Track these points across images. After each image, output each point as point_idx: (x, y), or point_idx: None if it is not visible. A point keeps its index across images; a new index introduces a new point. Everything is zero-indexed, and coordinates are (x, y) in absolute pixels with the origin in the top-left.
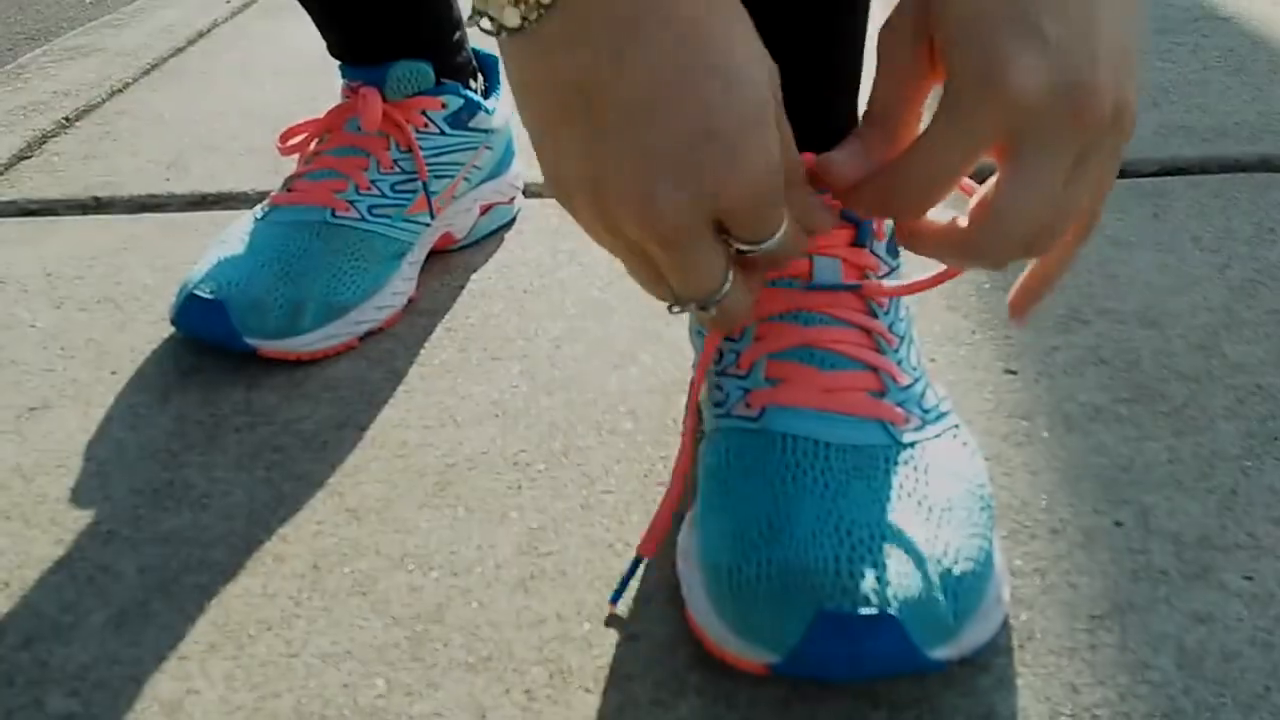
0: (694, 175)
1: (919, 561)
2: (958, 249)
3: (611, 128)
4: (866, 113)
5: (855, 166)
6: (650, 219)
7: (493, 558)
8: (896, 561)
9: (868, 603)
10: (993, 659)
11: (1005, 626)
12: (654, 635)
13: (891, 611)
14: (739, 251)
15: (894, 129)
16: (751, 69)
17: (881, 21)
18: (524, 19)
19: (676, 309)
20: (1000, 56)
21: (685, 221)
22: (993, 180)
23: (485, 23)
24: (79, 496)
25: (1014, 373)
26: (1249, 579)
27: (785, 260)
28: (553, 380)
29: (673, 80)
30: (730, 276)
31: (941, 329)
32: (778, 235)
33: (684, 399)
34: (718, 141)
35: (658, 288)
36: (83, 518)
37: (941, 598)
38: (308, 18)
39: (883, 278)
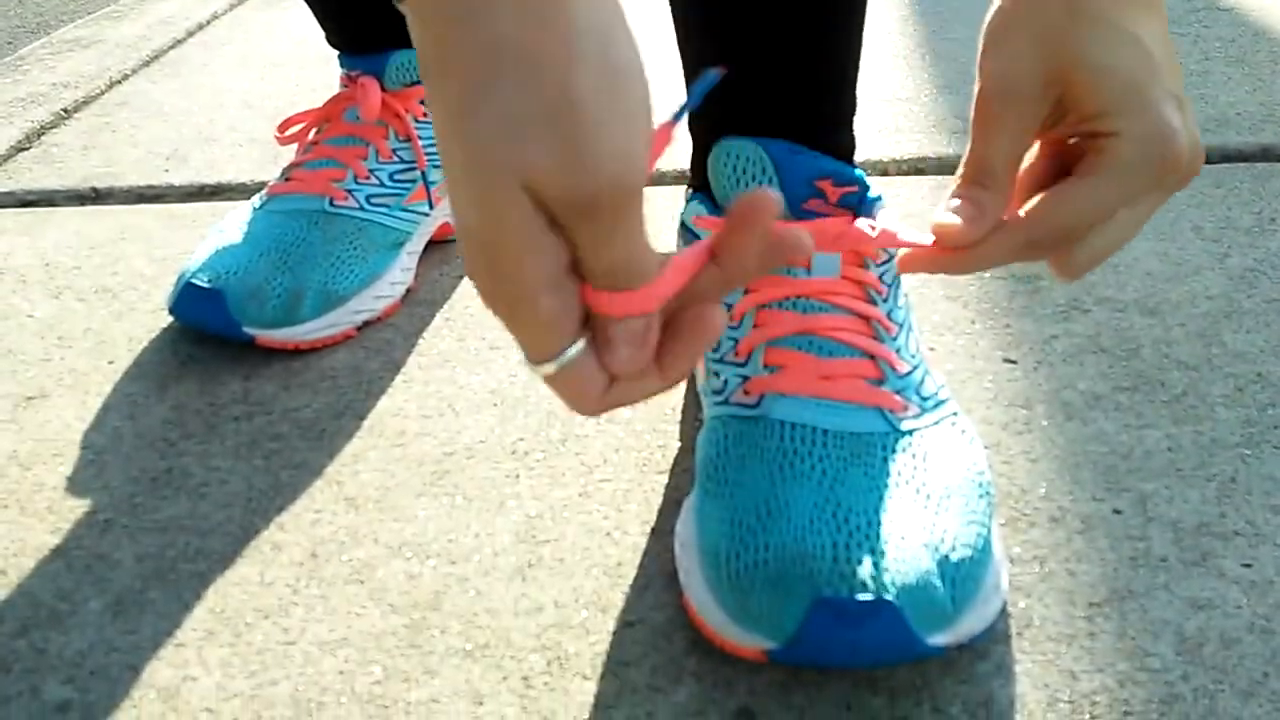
0: (470, 259)
1: (917, 549)
2: (1060, 266)
3: (442, 119)
4: (977, 169)
5: (978, 227)
6: (465, 210)
7: (490, 546)
8: (895, 548)
9: (866, 589)
10: (991, 646)
11: (1004, 614)
12: (651, 621)
13: (890, 598)
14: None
15: (1008, 187)
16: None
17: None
18: None
19: (533, 366)
20: (1168, 124)
21: (492, 212)
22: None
23: None
24: (76, 485)
25: (1013, 361)
26: (1248, 566)
27: (637, 339)
28: None
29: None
30: (580, 340)
31: (940, 318)
32: (552, 363)
33: (682, 387)
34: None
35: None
36: (80, 506)
37: (940, 584)
38: (306, 9)
39: (881, 265)
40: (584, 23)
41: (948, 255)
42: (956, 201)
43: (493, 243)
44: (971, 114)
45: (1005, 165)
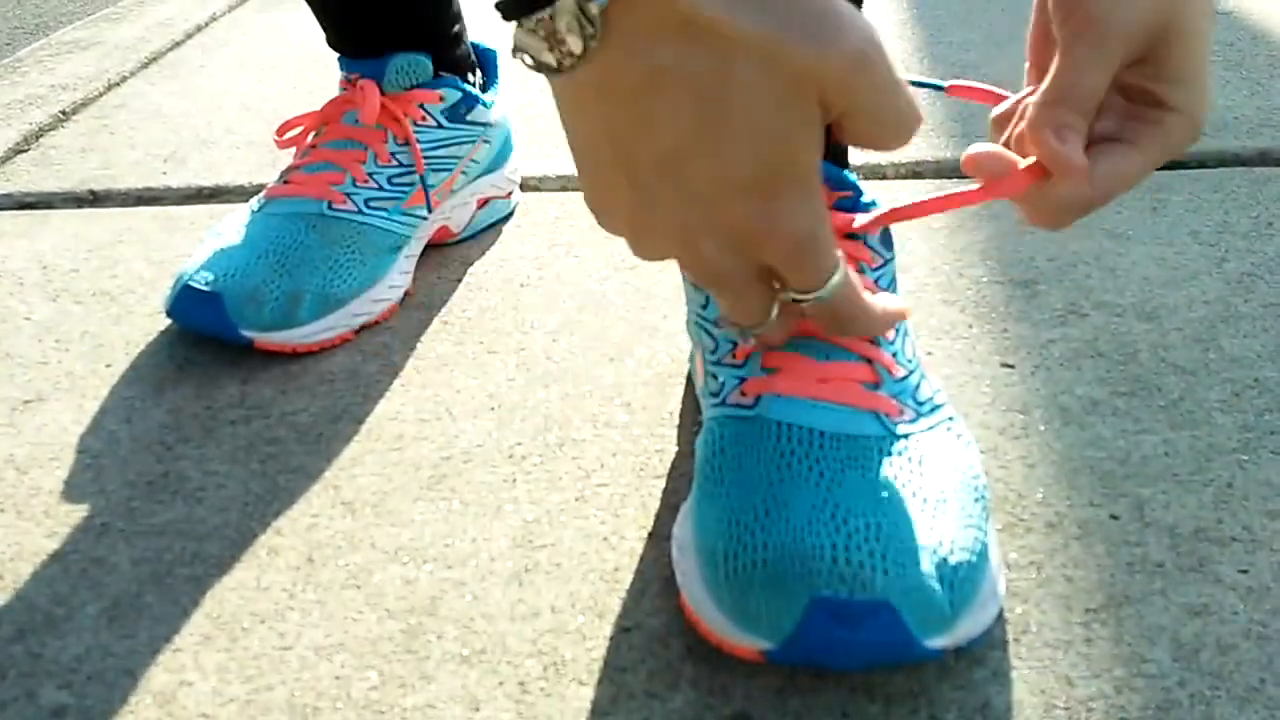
0: (729, 228)
1: (916, 550)
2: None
3: (645, 180)
4: (1075, 97)
5: (1081, 152)
6: (692, 264)
7: (487, 551)
8: (893, 550)
9: (864, 590)
10: (988, 652)
11: (1001, 619)
12: (648, 627)
13: (888, 599)
14: (794, 300)
15: (1089, 122)
16: (770, 117)
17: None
18: (559, 63)
19: (724, 328)
20: (1206, 104)
21: (727, 269)
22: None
23: (526, 58)
24: (73, 489)
25: (1010, 366)
26: (1244, 572)
27: (845, 319)
28: (548, 373)
29: (696, 136)
30: (776, 311)
31: (938, 322)
32: (831, 283)
33: (680, 391)
34: (751, 194)
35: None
36: (76, 510)
37: (938, 587)
38: (305, 11)
39: (877, 269)
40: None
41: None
42: (1054, 130)
43: (716, 283)
44: (1061, 36)
45: (1098, 97)
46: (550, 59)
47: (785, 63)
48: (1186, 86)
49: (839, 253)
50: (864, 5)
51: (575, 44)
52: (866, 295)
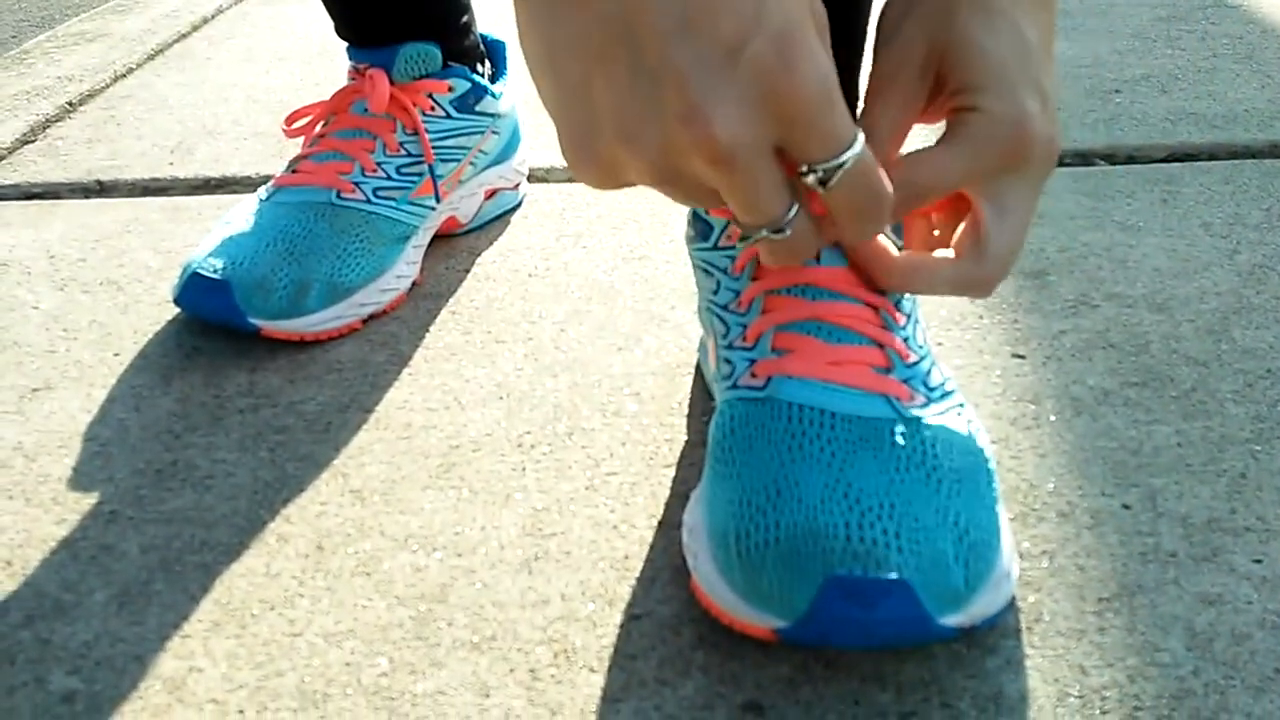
0: (744, 83)
1: (930, 528)
2: (961, 281)
3: (653, 55)
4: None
5: None
6: (705, 138)
7: (497, 538)
8: (907, 528)
9: (879, 567)
10: (1001, 640)
11: (1014, 608)
12: (658, 614)
13: (904, 576)
14: (818, 180)
15: (888, 151)
16: None
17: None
18: None
19: (746, 240)
20: (1025, 109)
21: (742, 136)
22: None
23: None
24: (81, 476)
25: (1022, 356)
26: (1258, 562)
27: (868, 201)
28: (557, 363)
29: None
30: (795, 205)
31: (948, 312)
32: (854, 150)
33: (689, 381)
34: (760, 47)
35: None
36: (85, 498)
37: (954, 564)
38: (311, 2)
39: None
40: None
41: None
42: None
43: (730, 160)
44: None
45: (887, 137)
46: None
47: None
48: (981, 90)
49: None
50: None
51: None
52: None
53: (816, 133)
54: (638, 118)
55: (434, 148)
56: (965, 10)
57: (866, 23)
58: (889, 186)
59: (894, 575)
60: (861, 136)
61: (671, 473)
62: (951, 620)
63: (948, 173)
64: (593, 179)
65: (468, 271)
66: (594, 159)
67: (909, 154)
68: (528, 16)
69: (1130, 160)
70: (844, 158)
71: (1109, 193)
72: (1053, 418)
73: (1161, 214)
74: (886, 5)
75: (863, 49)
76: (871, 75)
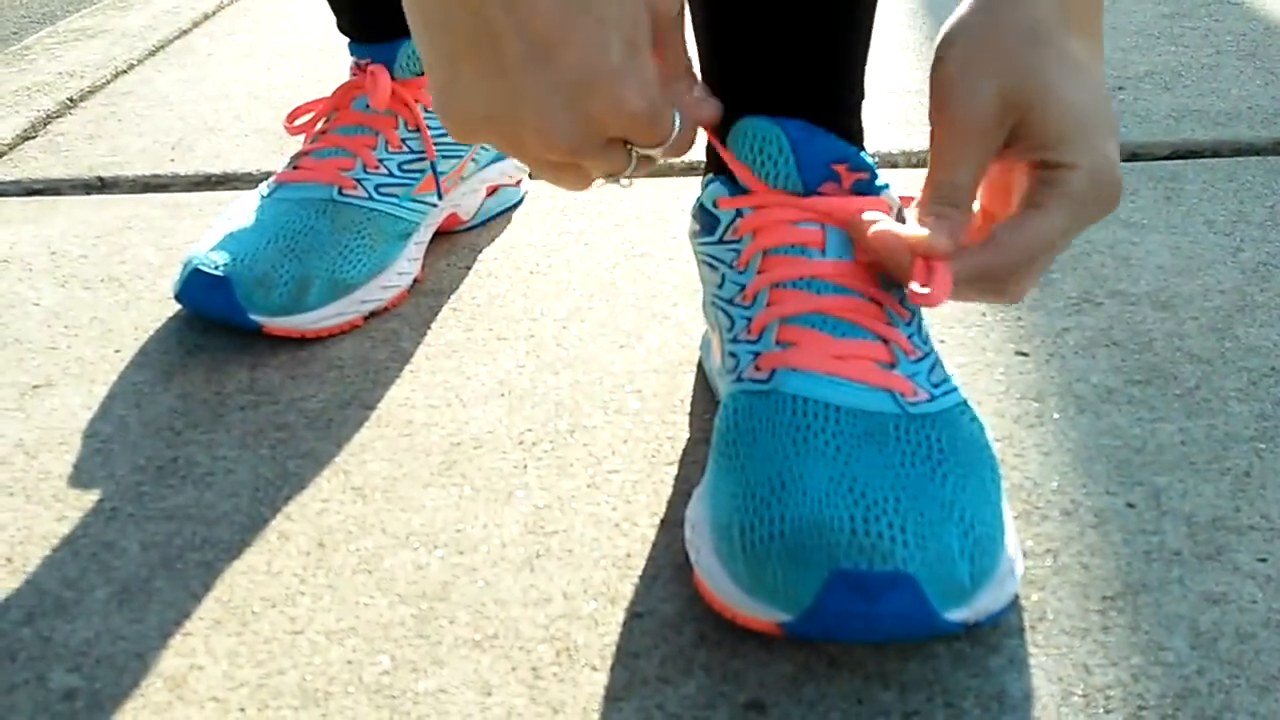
0: (584, 108)
1: (935, 523)
2: (976, 271)
3: (512, 67)
4: (949, 192)
5: (955, 240)
6: (553, 144)
7: (499, 536)
8: (912, 522)
9: (884, 561)
10: (1004, 639)
11: (1017, 606)
12: (661, 613)
13: (909, 570)
14: (644, 155)
15: (969, 208)
16: (621, 4)
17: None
18: None
19: (604, 182)
20: (1112, 159)
21: (582, 143)
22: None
23: None
24: (82, 473)
25: (1025, 354)
26: (1263, 560)
27: (683, 148)
28: (559, 360)
29: (558, 23)
30: (634, 156)
31: (951, 310)
32: (671, 138)
33: (691, 378)
34: (600, 79)
35: (578, 181)
36: (86, 495)
37: (959, 559)
38: None
39: None
40: None
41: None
42: (931, 219)
43: (577, 154)
44: (930, 135)
45: (971, 188)
46: None
47: None
48: (1071, 143)
49: (676, 114)
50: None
51: None
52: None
53: (646, 138)
54: (498, 104)
55: (436, 144)
56: (1041, 58)
57: (872, 15)
58: (689, 134)
59: (899, 569)
60: (677, 122)
61: (673, 470)
62: (956, 615)
63: (1053, 234)
64: (452, 131)
65: (469, 268)
66: (454, 115)
67: (1006, 224)
68: None
69: (1134, 157)
70: (663, 147)
71: None
72: (1056, 415)
73: (1165, 211)
74: (942, 43)
75: (868, 41)
76: (942, 126)
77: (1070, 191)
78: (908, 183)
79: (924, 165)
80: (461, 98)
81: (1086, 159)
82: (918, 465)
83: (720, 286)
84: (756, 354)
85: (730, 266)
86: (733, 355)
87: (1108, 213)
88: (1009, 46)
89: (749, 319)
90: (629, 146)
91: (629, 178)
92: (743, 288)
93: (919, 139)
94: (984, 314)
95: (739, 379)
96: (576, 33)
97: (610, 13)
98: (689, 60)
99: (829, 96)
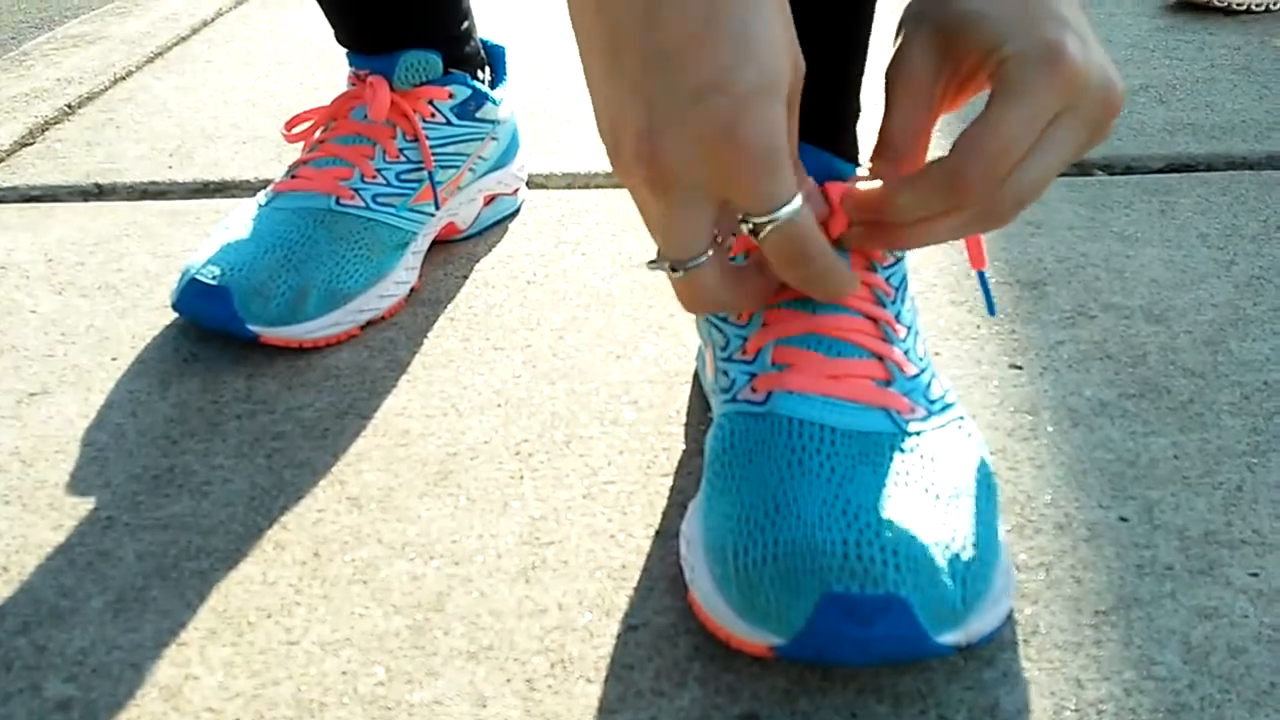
0: (696, 127)
1: (928, 546)
2: (942, 183)
3: (629, 69)
4: (880, 145)
5: (884, 189)
6: (648, 158)
7: (494, 547)
8: (905, 545)
9: (876, 585)
10: (997, 653)
11: (1010, 620)
12: (655, 625)
13: (901, 594)
14: (750, 230)
15: (909, 159)
16: (770, 45)
17: (882, 26)
18: None
19: (653, 264)
20: (1054, 41)
21: (680, 170)
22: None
23: None
24: (78, 482)
25: (1019, 367)
26: (1255, 575)
27: (798, 258)
28: (555, 370)
29: (691, 36)
30: (711, 251)
31: (946, 323)
32: (786, 209)
33: (687, 389)
34: (722, 99)
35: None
36: (82, 503)
37: (951, 583)
38: (310, 6)
39: (889, 268)
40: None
41: (887, 227)
42: (865, 173)
43: (664, 186)
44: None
45: (906, 138)
46: None
47: None
48: (1008, 41)
49: (800, 190)
50: (875, 6)
51: None
52: (829, 252)
53: (753, 191)
54: (617, 117)
55: (434, 154)
56: None
57: (868, 32)
58: (823, 246)
59: (890, 592)
60: (799, 199)
61: (669, 481)
62: (948, 638)
63: (1015, 127)
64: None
65: (466, 278)
66: (601, 131)
67: (966, 129)
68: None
69: (1128, 170)
70: (776, 215)
71: (1107, 203)
72: (1050, 429)
73: (1159, 224)
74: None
75: (864, 58)
76: (885, 81)
77: (1012, 80)
78: None
79: None
80: (593, 85)
81: (1019, 45)
82: (912, 486)
83: None
84: (752, 375)
85: None
86: (726, 374)
87: (1078, 95)
88: (934, 3)
89: (744, 338)
90: (740, 219)
91: (685, 270)
92: None
93: None
94: (978, 327)
95: (734, 399)
96: (708, 43)
97: (751, 44)
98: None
99: (823, 113)
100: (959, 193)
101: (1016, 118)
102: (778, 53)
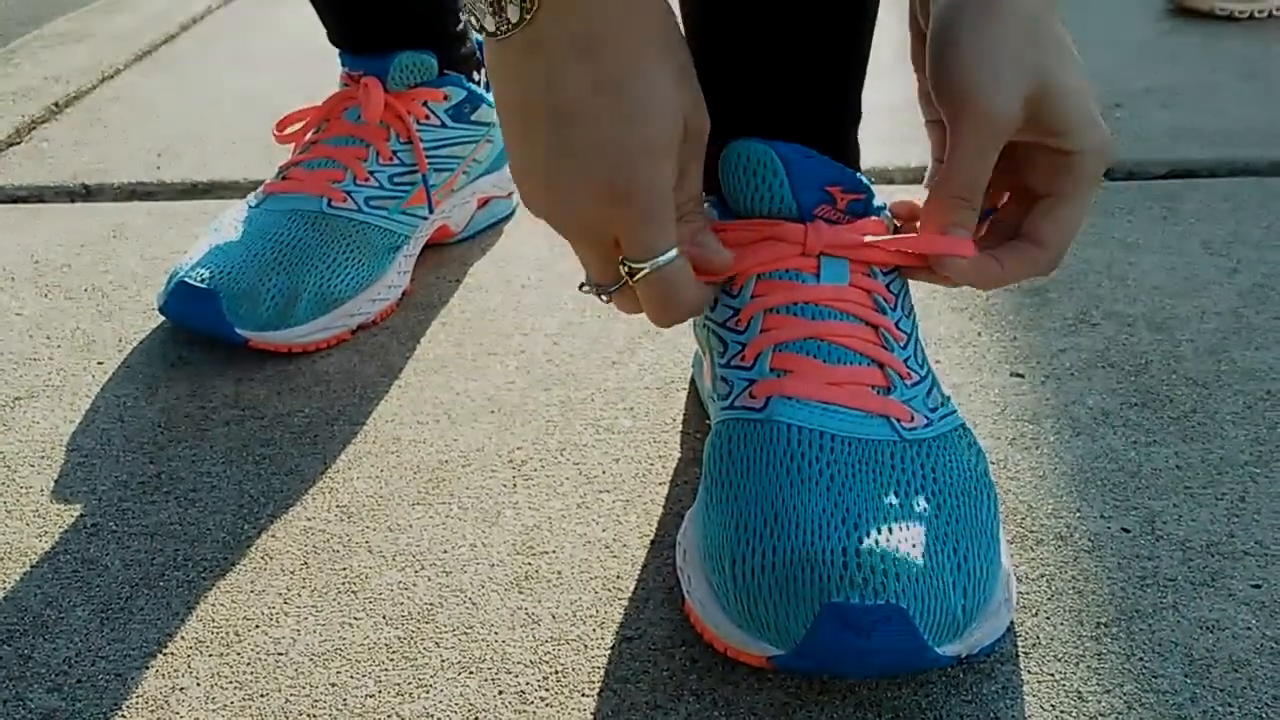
0: (584, 179)
1: (928, 556)
2: (1027, 269)
3: (533, 127)
4: (959, 192)
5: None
6: (557, 215)
7: (487, 557)
8: (906, 555)
9: (876, 595)
10: (998, 665)
11: (1011, 632)
12: (651, 637)
13: (901, 604)
14: (627, 271)
15: (980, 203)
16: (659, 107)
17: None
18: (498, 29)
19: (583, 287)
20: (1109, 138)
21: (583, 224)
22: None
23: (472, 20)
24: (64, 488)
25: (1020, 375)
26: (1257, 587)
27: (658, 302)
28: (550, 376)
29: (583, 100)
30: (624, 271)
31: (946, 330)
32: (662, 258)
33: (683, 396)
34: (608, 158)
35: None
36: (67, 510)
37: (951, 593)
38: (300, 5)
39: (889, 273)
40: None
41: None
42: (962, 231)
43: (574, 236)
44: (948, 125)
45: (984, 181)
46: (490, 24)
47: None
48: (1083, 129)
49: (676, 245)
50: (878, 11)
51: (514, 14)
52: (695, 300)
53: (632, 240)
54: (524, 169)
55: (428, 156)
56: (1048, 54)
57: (869, 37)
58: (691, 294)
59: (891, 603)
60: (674, 251)
61: (665, 490)
62: (949, 649)
63: (1082, 215)
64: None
65: (459, 282)
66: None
67: (1049, 217)
68: (485, 45)
69: (1130, 176)
70: (651, 263)
71: (1109, 209)
72: (1051, 438)
73: (1161, 231)
74: (942, 40)
75: (865, 62)
76: (962, 128)
77: (1090, 174)
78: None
79: (920, 181)
80: (510, 159)
81: (1096, 140)
82: (912, 495)
83: (712, 309)
84: (751, 381)
85: (722, 289)
86: (725, 380)
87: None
88: (1020, 46)
89: (743, 343)
90: (620, 260)
91: (608, 296)
92: (736, 311)
93: (915, 154)
94: (979, 334)
95: (732, 406)
96: (597, 107)
97: (637, 106)
98: (703, 199)
99: (823, 118)
100: (1044, 269)
101: (1086, 206)
102: (665, 114)
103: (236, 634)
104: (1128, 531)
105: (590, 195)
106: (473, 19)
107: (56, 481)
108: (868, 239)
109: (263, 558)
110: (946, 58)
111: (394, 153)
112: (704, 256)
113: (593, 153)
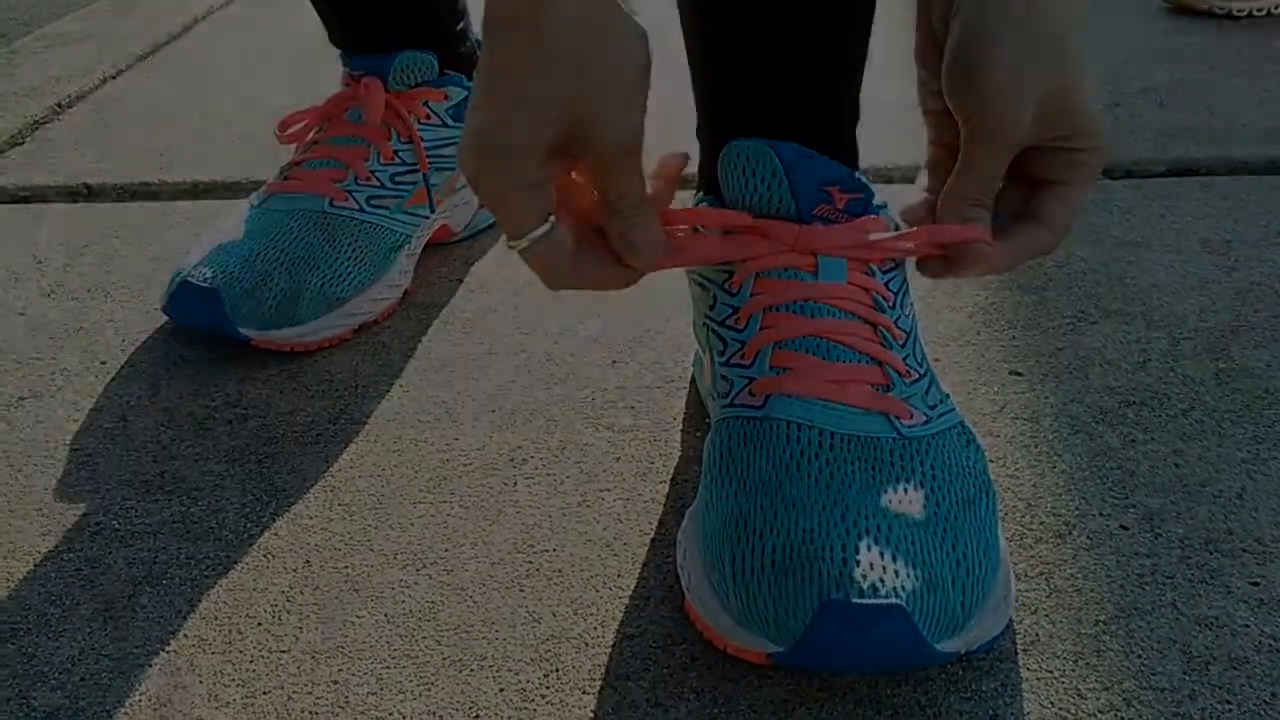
0: (570, 96)
1: (928, 552)
2: (1035, 250)
3: (482, 86)
4: (973, 193)
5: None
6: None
7: (488, 555)
8: (905, 552)
9: (875, 592)
10: (997, 663)
11: (1010, 630)
12: (651, 635)
13: (900, 601)
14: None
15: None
16: (636, 37)
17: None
18: None
19: (510, 244)
20: (1102, 128)
21: (530, 139)
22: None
23: None
24: (67, 487)
25: (1019, 374)
26: (1255, 584)
27: (639, 242)
28: (551, 375)
29: (512, 64)
30: (551, 222)
31: (946, 328)
32: (534, 234)
33: (684, 394)
34: (603, 78)
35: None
36: (71, 509)
37: (951, 589)
38: (302, 6)
39: (888, 272)
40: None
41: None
42: (979, 227)
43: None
44: (961, 129)
45: (997, 184)
46: None
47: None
48: (1093, 131)
49: (550, 225)
50: (875, 9)
51: None
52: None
53: (507, 221)
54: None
55: (429, 156)
56: (1068, 65)
57: (867, 36)
58: (563, 272)
59: (890, 600)
60: (545, 227)
61: (665, 488)
62: (948, 646)
63: (1084, 201)
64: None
65: (461, 281)
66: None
67: (1059, 202)
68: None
69: (1129, 175)
70: (525, 240)
71: (1107, 207)
72: (1050, 436)
73: (1160, 229)
74: (969, 44)
75: (862, 60)
76: (981, 133)
77: (1095, 167)
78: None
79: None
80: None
81: (1096, 140)
82: (911, 492)
83: (712, 308)
84: (751, 379)
85: (721, 288)
86: (725, 378)
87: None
88: (1049, 60)
89: (742, 342)
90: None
91: (532, 246)
92: (735, 310)
93: (913, 153)
94: (979, 333)
95: (732, 403)
96: (515, 69)
97: (623, 29)
98: (647, 193)
99: (822, 118)
100: (1051, 248)
101: (1091, 185)
102: (640, 43)
103: (239, 632)
104: (1126, 529)
105: (563, 103)
106: None
107: (60, 481)
108: (873, 237)
109: (265, 556)
110: (973, 74)
111: (395, 152)
112: (628, 239)
113: (512, 109)
